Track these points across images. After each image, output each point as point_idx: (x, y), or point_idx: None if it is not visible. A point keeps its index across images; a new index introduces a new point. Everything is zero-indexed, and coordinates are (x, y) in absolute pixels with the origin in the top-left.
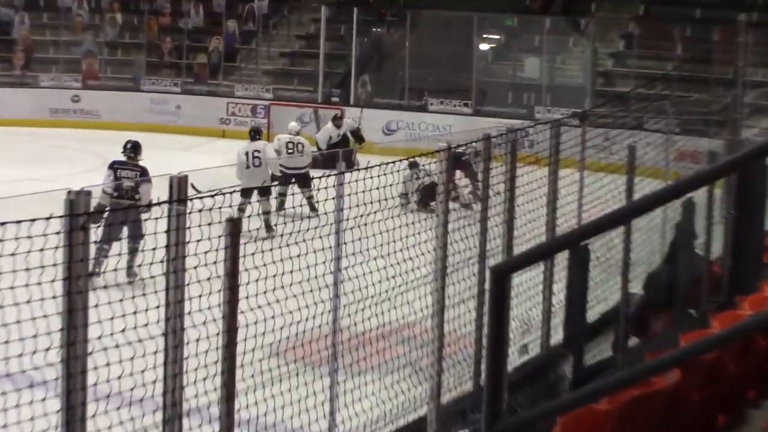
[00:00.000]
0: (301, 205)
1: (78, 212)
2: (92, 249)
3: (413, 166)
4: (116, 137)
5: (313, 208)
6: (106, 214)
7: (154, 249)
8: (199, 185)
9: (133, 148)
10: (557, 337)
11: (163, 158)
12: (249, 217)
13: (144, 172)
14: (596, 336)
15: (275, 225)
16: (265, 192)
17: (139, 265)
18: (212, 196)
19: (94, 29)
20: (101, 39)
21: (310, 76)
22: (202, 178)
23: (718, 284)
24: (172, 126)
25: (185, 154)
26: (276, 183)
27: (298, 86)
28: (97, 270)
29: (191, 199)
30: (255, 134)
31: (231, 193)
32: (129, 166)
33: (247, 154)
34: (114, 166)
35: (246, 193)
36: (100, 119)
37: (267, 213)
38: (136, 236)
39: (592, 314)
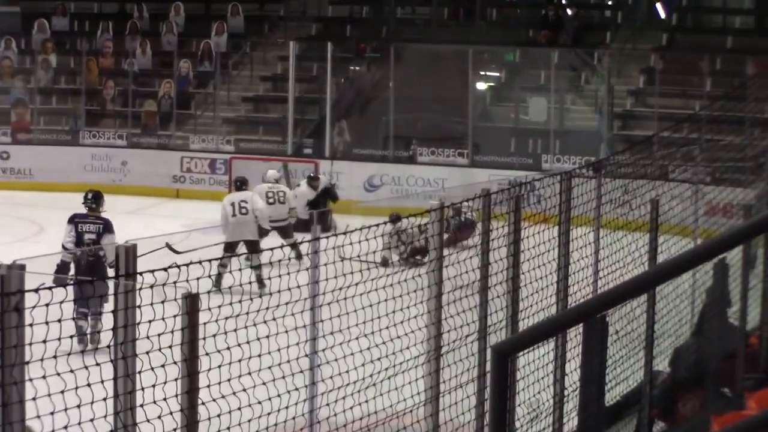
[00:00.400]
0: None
1: (10, 290)
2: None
3: (395, 220)
4: (52, 200)
5: (298, 256)
6: (72, 272)
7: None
8: (179, 246)
9: (94, 199)
10: (571, 423)
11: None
12: (230, 272)
13: (107, 224)
14: (616, 421)
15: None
16: (254, 246)
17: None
18: (165, 269)
19: (25, 74)
20: (33, 85)
21: (278, 124)
22: (178, 239)
23: (756, 359)
24: (118, 186)
25: (133, 218)
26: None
27: (264, 136)
28: (80, 334)
29: (141, 274)
30: (240, 185)
31: (187, 265)
32: (90, 219)
33: (233, 204)
34: (75, 220)
35: (230, 247)
36: (32, 179)
37: (258, 267)
38: (102, 296)
39: (611, 396)
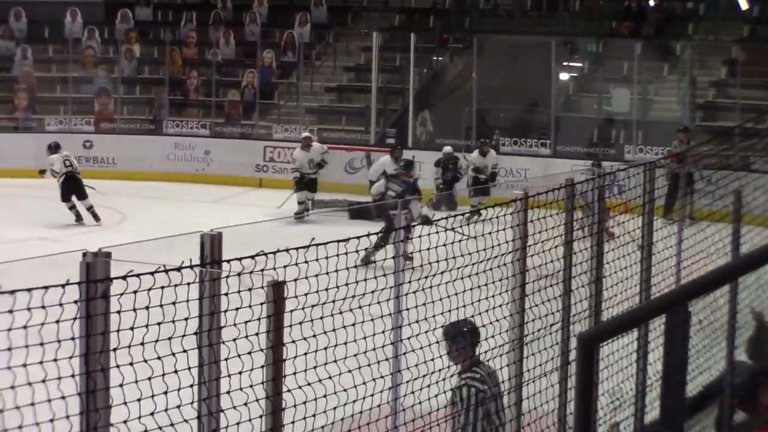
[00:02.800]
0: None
1: (97, 277)
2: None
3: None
4: (134, 189)
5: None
6: None
7: (186, 319)
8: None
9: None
10: (653, 413)
11: (190, 212)
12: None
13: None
14: (698, 411)
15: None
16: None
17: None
18: (253, 257)
19: (108, 63)
20: (116, 75)
21: (361, 113)
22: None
23: None
24: (200, 175)
25: (215, 207)
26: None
27: (347, 126)
28: None
29: (228, 261)
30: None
31: (274, 253)
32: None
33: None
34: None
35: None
36: (115, 168)
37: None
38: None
39: (694, 386)
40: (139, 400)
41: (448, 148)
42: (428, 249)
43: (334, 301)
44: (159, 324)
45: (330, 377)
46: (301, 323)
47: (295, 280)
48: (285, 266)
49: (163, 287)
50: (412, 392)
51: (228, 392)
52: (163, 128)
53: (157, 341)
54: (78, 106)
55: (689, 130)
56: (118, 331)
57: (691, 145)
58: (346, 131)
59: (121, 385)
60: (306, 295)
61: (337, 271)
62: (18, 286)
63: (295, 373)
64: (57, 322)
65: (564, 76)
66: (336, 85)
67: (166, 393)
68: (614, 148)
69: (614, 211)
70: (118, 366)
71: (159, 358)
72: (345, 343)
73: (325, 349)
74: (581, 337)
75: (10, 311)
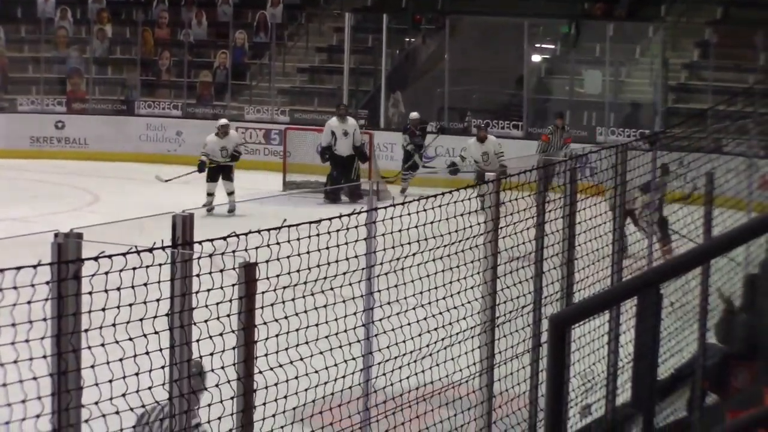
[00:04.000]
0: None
1: (68, 258)
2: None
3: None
4: (106, 169)
5: None
6: None
7: (157, 300)
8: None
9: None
10: (624, 395)
11: (162, 193)
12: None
13: None
14: (670, 393)
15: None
16: None
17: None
18: (224, 238)
19: (80, 44)
20: (88, 55)
21: (333, 94)
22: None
23: None
24: (172, 155)
25: (187, 188)
26: None
27: (319, 107)
28: None
29: (200, 243)
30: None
31: (246, 234)
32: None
33: None
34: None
35: None
36: (87, 149)
37: None
38: None
39: (665, 369)
40: (110, 381)
41: (414, 114)
42: (400, 231)
43: (305, 283)
44: (130, 305)
45: (302, 359)
46: (272, 305)
47: (267, 261)
48: (257, 248)
49: (134, 268)
50: (384, 374)
51: (200, 373)
52: (135, 109)
53: (128, 322)
54: (50, 86)
55: (563, 115)
56: (89, 312)
57: (567, 130)
58: (318, 112)
59: (92, 366)
60: (278, 276)
61: (308, 252)
62: None
63: (266, 355)
64: (28, 302)
65: (536, 58)
66: (308, 66)
67: (137, 374)
68: (586, 130)
69: (584, 193)
70: (89, 347)
71: (130, 339)
72: (317, 325)
73: (297, 330)
74: (553, 319)
75: None
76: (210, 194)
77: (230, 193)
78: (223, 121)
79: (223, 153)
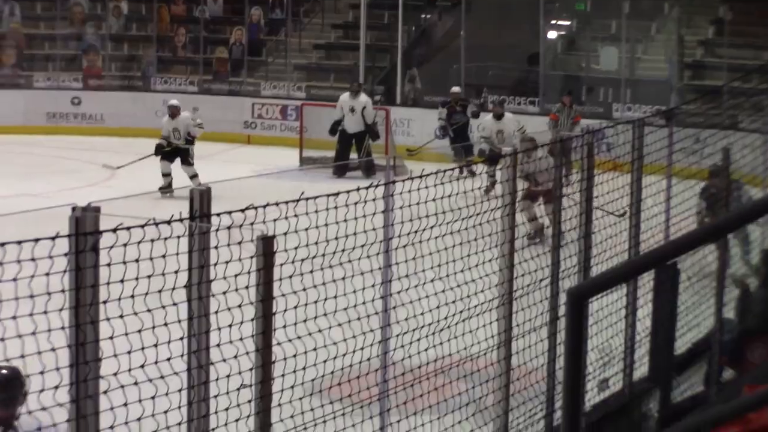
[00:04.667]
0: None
1: (86, 231)
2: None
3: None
4: (123, 145)
5: None
6: None
7: (176, 272)
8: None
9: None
10: (642, 369)
11: (178, 168)
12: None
13: None
14: (686, 368)
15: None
16: None
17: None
18: (242, 210)
19: (96, 20)
20: (104, 32)
21: (349, 71)
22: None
23: None
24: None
25: (205, 163)
26: None
27: (335, 83)
28: None
29: (218, 215)
30: None
31: (264, 207)
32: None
33: None
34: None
35: None
36: (103, 124)
37: None
38: None
39: (682, 343)
40: (129, 352)
41: (456, 88)
42: (417, 204)
43: (323, 255)
44: (149, 277)
45: (320, 331)
46: (290, 277)
47: (285, 234)
48: (275, 220)
49: (152, 240)
50: (401, 346)
51: (218, 345)
52: (151, 85)
53: (146, 294)
54: (66, 63)
55: (572, 93)
56: (108, 284)
57: (575, 108)
58: (334, 89)
59: (111, 338)
60: (296, 249)
61: (327, 225)
62: (8, 240)
63: (285, 327)
64: (47, 274)
65: (552, 35)
66: (324, 43)
67: (156, 346)
68: (602, 106)
69: (601, 168)
70: (108, 318)
71: (149, 310)
72: (335, 297)
73: (315, 302)
74: (571, 292)
75: (0, 264)
76: (165, 174)
77: (192, 177)
78: (172, 101)
79: (175, 135)
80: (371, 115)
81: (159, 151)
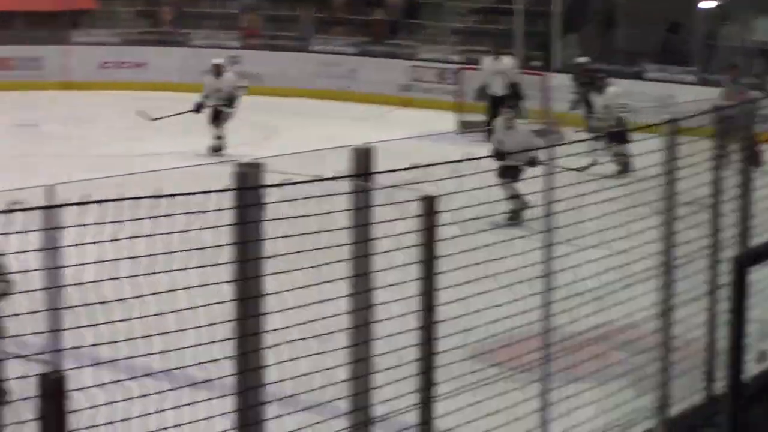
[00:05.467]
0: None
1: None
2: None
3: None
4: (280, 104)
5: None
6: None
7: (339, 229)
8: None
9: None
10: None
11: (335, 129)
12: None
13: None
14: None
15: None
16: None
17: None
18: (406, 169)
19: None
20: None
21: (506, 35)
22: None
23: None
24: (346, 92)
25: (360, 125)
26: None
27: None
28: None
29: (379, 173)
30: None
31: (427, 166)
32: None
33: None
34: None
35: None
36: (261, 84)
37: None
38: None
39: None
40: (292, 308)
41: (581, 59)
42: (576, 170)
43: (488, 216)
44: (313, 233)
45: (483, 292)
46: (453, 238)
47: (449, 194)
48: (438, 180)
49: (317, 196)
50: (563, 311)
51: (381, 304)
52: (309, 46)
53: (310, 250)
54: (224, 21)
55: (738, 66)
56: (273, 238)
57: (741, 83)
58: (490, 53)
59: (277, 293)
60: (460, 209)
61: (491, 186)
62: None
63: (448, 287)
64: (214, 227)
65: (709, 4)
66: (480, 7)
67: (321, 302)
68: (759, 77)
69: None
70: (272, 273)
71: (313, 267)
72: (498, 259)
73: (477, 264)
74: (736, 259)
75: (169, 215)
76: (218, 137)
77: (217, 138)
78: (217, 59)
79: (218, 94)
80: (516, 76)
81: (199, 108)
